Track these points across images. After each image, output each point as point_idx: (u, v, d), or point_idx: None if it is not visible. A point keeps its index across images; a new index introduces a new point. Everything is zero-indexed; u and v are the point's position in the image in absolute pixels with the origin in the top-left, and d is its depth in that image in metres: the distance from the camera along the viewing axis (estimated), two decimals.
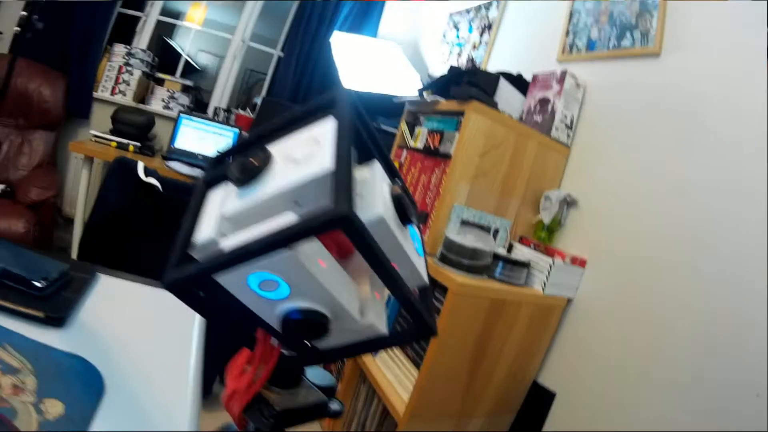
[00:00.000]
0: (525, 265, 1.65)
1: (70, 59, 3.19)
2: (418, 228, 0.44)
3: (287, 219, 0.32)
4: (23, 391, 0.67)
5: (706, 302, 1.36)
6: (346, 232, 0.29)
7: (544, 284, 1.64)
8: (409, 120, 2.08)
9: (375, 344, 0.41)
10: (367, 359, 1.96)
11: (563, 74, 1.83)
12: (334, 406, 0.50)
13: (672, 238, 1.49)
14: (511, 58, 2.49)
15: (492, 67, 2.56)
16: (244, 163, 0.36)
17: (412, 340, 0.42)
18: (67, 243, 3.13)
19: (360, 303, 0.39)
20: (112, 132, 3.00)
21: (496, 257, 1.63)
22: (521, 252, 1.74)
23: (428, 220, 1.74)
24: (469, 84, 1.72)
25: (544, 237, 1.80)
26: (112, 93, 3.40)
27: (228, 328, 0.43)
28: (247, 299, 0.35)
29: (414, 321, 0.39)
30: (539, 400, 1.76)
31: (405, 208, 0.36)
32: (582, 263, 1.70)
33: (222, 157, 0.44)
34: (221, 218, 0.37)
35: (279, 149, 0.38)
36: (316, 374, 0.52)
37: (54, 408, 0.66)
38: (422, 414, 1.62)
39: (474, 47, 2.81)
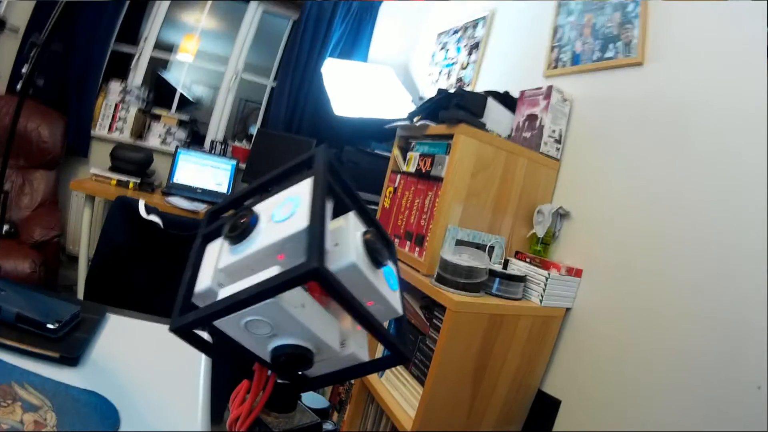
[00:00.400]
0: (521, 279, 1.69)
1: (67, 98, 3.27)
2: (395, 263, 0.50)
3: (271, 272, 0.37)
4: (44, 426, 0.72)
5: (701, 307, 1.39)
6: (318, 283, 0.35)
7: (542, 296, 1.68)
8: (402, 145, 2.12)
9: (357, 370, 0.47)
10: (374, 380, 1.99)
11: (549, 89, 1.88)
12: (328, 426, 0.56)
13: (664, 245, 1.53)
14: (500, 75, 2.54)
15: (481, 86, 2.62)
16: (234, 223, 0.42)
17: (390, 366, 0.47)
18: (72, 281, 3.17)
19: (342, 335, 0.45)
20: (112, 169, 3.06)
21: (492, 273, 1.67)
22: (517, 266, 1.78)
23: (424, 242, 1.78)
24: (456, 107, 1.76)
25: (540, 250, 1.84)
26: (110, 130, 3.47)
27: (229, 363, 0.48)
28: (242, 338, 0.42)
29: (389, 350, 0.45)
30: (545, 408, 1.79)
31: (376, 252, 0.42)
32: (578, 273, 1.74)
33: (216, 213, 0.50)
34: (217, 271, 0.43)
35: (264, 208, 0.44)
36: (311, 399, 0.58)
37: None
38: (429, 430, 1.65)
39: (462, 67, 2.87)
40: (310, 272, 0.33)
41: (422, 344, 1.73)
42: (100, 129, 3.46)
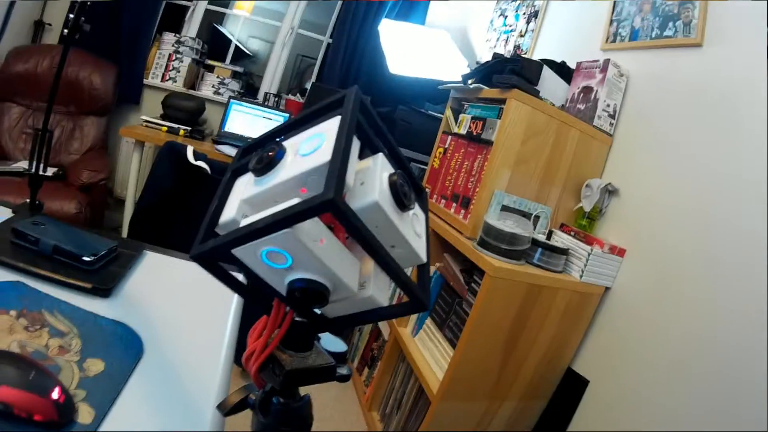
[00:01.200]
0: (563, 251, 1.66)
1: (120, 49, 3.33)
2: (424, 211, 0.50)
3: (291, 203, 0.37)
4: (68, 352, 0.76)
5: (746, 299, 1.34)
6: (333, 214, 0.34)
7: (582, 272, 1.65)
8: (454, 106, 2.11)
9: (376, 314, 0.47)
10: (407, 338, 2.01)
11: (606, 63, 1.82)
12: (343, 370, 0.56)
13: (712, 233, 1.47)
14: (557, 45, 2.48)
15: (538, 55, 2.56)
16: (261, 156, 0.43)
17: (408, 313, 0.47)
18: (119, 223, 3.27)
19: (363, 277, 0.45)
20: (163, 117, 3.11)
21: (535, 243, 1.65)
22: (561, 239, 1.75)
23: (470, 205, 1.77)
24: (511, 72, 1.73)
25: (585, 225, 1.80)
26: (163, 80, 3.51)
27: (249, 298, 0.49)
28: (260, 270, 0.42)
29: (407, 296, 0.44)
30: (572, 387, 1.78)
31: (402, 194, 0.42)
32: (621, 253, 1.70)
33: (248, 149, 0.51)
34: (242, 202, 0.44)
35: (292, 143, 0.44)
36: (330, 341, 0.58)
37: (95, 366, 0.74)
38: (455, 394, 1.66)
39: (521, 35, 2.81)
40: (325, 203, 0.33)
41: (458, 307, 1.73)
42: (152, 78, 3.52)
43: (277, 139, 0.47)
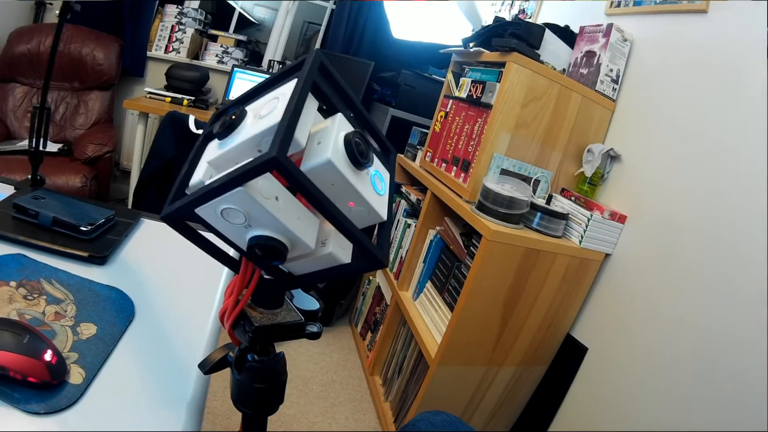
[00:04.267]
0: (563, 216, 1.66)
1: (122, 23, 3.33)
2: (389, 170, 0.52)
3: (244, 163, 0.38)
4: (63, 317, 0.79)
5: (746, 270, 1.31)
6: (277, 171, 0.36)
7: (582, 237, 1.64)
8: (456, 70, 2.09)
9: (338, 271, 0.49)
10: (408, 302, 2.03)
11: (609, 27, 1.79)
12: (313, 328, 0.58)
13: (715, 205, 1.44)
14: (562, 10, 2.43)
15: (542, 19, 2.50)
16: (223, 120, 0.45)
17: (367, 270, 0.49)
18: (125, 194, 3.29)
19: (323, 235, 0.47)
20: (167, 88, 3.12)
21: (534, 207, 1.64)
22: (561, 204, 1.74)
23: (469, 168, 1.76)
24: (511, 35, 1.70)
25: (586, 190, 1.79)
26: (166, 51, 3.52)
27: (217, 257, 0.51)
28: (223, 228, 0.44)
29: (360, 252, 0.46)
30: (571, 354, 1.79)
31: (357, 153, 0.43)
32: (622, 219, 1.68)
33: (220, 114, 0.52)
34: (208, 164, 0.46)
35: (253, 108, 0.46)
36: (304, 300, 0.60)
37: (88, 330, 0.78)
38: (453, 358, 1.68)
39: None
40: (269, 161, 0.35)
41: (458, 271, 1.74)
42: (156, 50, 3.52)
43: (244, 104, 0.48)
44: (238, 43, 3.70)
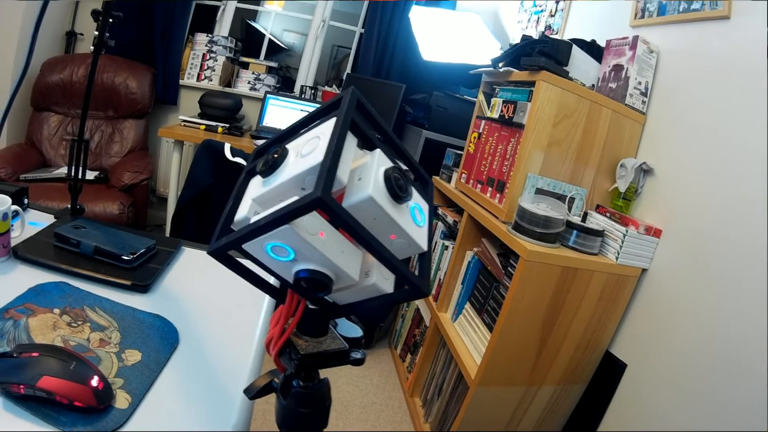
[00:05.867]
0: (599, 233, 1.65)
1: (154, 52, 3.43)
2: (428, 201, 0.53)
3: (290, 201, 0.41)
4: (108, 344, 0.82)
5: None
6: (322, 209, 0.38)
7: (618, 253, 1.63)
8: (486, 90, 2.11)
9: (380, 300, 0.50)
10: (447, 324, 2.03)
11: (635, 39, 1.78)
12: (356, 354, 0.60)
13: (748, 211, 1.41)
14: (587, 24, 2.43)
15: (569, 34, 2.52)
16: (266, 158, 0.47)
17: (409, 299, 0.50)
18: (162, 220, 3.36)
19: (367, 266, 0.49)
20: (201, 116, 3.19)
21: (570, 225, 1.64)
22: (596, 220, 1.74)
23: (504, 189, 1.78)
24: (540, 53, 1.71)
25: (621, 206, 1.78)
26: (198, 79, 3.59)
27: (264, 288, 0.54)
28: (269, 263, 0.47)
29: (403, 282, 0.48)
30: (610, 370, 1.77)
31: (396, 187, 0.44)
32: (657, 233, 1.67)
33: (261, 151, 0.55)
34: (252, 201, 0.49)
35: (294, 146, 0.48)
36: (348, 327, 0.63)
37: (133, 356, 0.80)
38: (493, 379, 1.68)
39: (551, 14, 2.77)
40: (314, 201, 0.37)
41: (496, 291, 1.75)
42: (188, 78, 3.62)
43: (284, 142, 0.51)
44: (270, 70, 3.77)
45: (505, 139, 1.84)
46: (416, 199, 0.50)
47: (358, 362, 0.60)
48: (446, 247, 2.30)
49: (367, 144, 0.49)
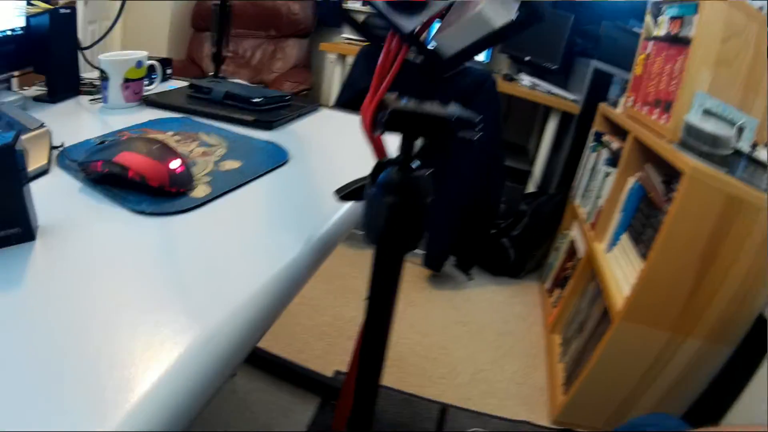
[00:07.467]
0: None
1: None
2: None
3: None
4: (210, 155, 0.82)
5: None
6: None
7: None
8: (654, 11, 2.05)
9: (490, 41, 0.46)
10: (600, 255, 1.95)
11: None
12: (465, 134, 0.49)
13: None
14: None
15: None
16: None
17: (520, 28, 0.45)
18: None
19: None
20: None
21: (738, 153, 1.50)
22: (765, 156, 1.57)
23: (671, 108, 1.70)
24: None
25: None
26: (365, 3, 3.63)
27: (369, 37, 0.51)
28: None
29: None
30: (761, 337, 1.56)
31: None
32: None
33: None
34: None
35: None
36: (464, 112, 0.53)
37: (231, 165, 0.80)
38: (638, 315, 1.58)
39: None
40: None
41: (655, 219, 1.65)
42: (352, 2, 3.63)
43: None
44: None
45: (672, 59, 1.76)
46: None
47: (466, 141, 0.49)
48: (607, 174, 2.21)
49: None
